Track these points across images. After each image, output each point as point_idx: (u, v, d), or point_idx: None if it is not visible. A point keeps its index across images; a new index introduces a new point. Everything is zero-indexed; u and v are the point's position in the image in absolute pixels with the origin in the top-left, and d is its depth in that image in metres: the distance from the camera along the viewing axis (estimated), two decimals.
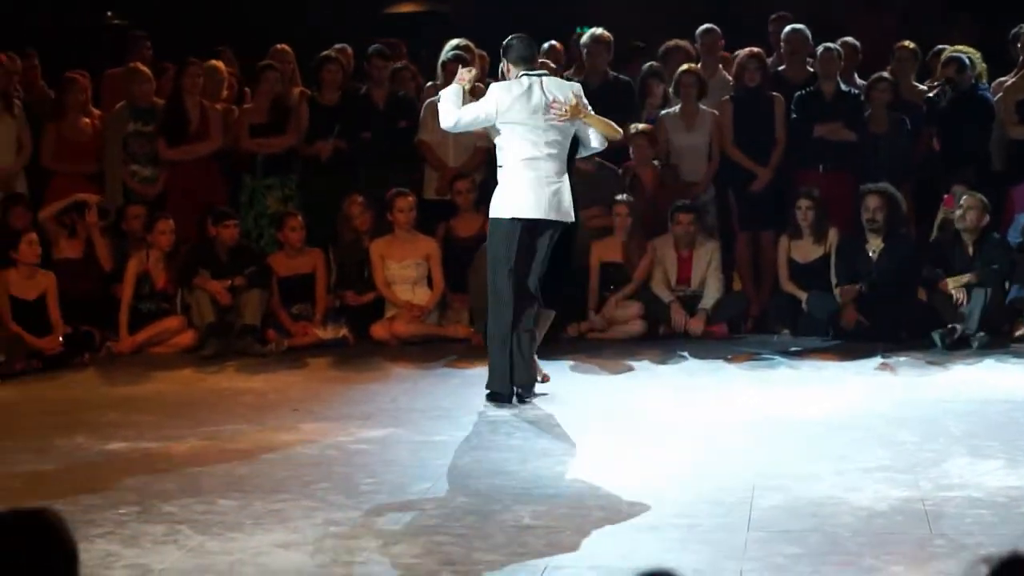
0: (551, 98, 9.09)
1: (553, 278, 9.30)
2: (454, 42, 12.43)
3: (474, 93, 9.65)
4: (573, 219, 9.32)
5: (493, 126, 9.19)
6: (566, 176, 9.25)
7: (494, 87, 9.25)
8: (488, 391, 9.19)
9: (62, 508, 5.30)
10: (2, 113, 12.30)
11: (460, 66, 9.67)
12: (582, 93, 9.32)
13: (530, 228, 9.12)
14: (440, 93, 9.34)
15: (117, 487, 7.33)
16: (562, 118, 9.09)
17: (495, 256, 9.17)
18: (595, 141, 9.42)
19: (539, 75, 9.25)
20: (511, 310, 9.08)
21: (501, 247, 9.12)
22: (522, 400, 9.15)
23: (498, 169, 9.29)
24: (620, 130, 9.74)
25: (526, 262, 9.15)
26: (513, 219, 9.07)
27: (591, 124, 9.30)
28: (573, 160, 9.51)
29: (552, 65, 10.18)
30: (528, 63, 9.29)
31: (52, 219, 11.94)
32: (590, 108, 9.30)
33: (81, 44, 14.27)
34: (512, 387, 9.14)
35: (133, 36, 13.88)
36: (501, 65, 9.41)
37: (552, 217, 9.15)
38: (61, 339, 11.07)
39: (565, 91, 9.22)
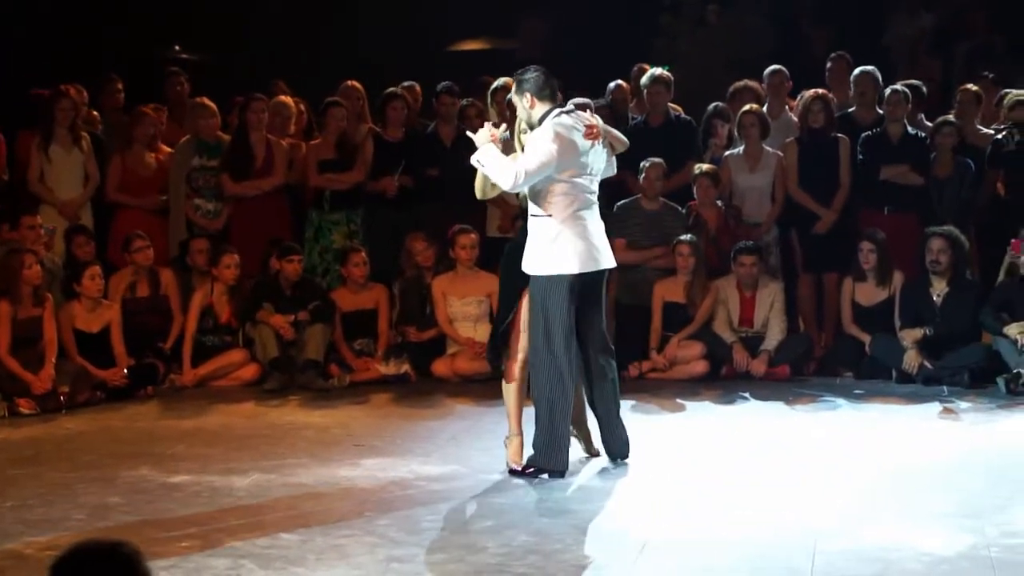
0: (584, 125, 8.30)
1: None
2: (503, 80, 12.53)
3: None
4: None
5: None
6: None
7: (550, 126, 8.20)
8: (535, 466, 8.31)
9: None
10: (70, 145, 12.42)
11: (483, 122, 8.55)
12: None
13: (593, 278, 8.36)
14: (477, 159, 8.28)
15: (181, 520, 7.36)
16: (595, 137, 8.29)
17: (552, 318, 8.17)
18: (610, 167, 8.58)
19: (570, 111, 8.37)
20: (574, 378, 8.29)
21: (559, 308, 8.16)
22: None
23: (538, 219, 8.28)
24: (627, 140, 8.81)
25: (595, 315, 8.48)
26: (573, 275, 8.19)
27: (611, 140, 8.55)
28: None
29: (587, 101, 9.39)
30: (554, 98, 8.34)
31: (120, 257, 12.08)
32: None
33: (149, 78, 14.38)
34: (567, 462, 8.33)
35: (168, 72, 14.02)
36: (523, 100, 8.33)
37: (612, 263, 8.50)
38: (125, 371, 11.14)
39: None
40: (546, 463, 8.27)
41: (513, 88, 8.45)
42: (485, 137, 8.28)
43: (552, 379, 8.21)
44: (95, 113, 13.21)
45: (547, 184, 8.22)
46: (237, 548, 6.84)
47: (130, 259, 11.88)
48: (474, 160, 8.33)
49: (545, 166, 8.13)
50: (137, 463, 8.73)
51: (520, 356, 8.46)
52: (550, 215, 8.24)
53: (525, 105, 8.33)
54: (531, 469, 8.30)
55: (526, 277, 8.34)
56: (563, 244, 8.22)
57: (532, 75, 8.31)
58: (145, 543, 6.66)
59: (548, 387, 8.22)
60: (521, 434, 8.48)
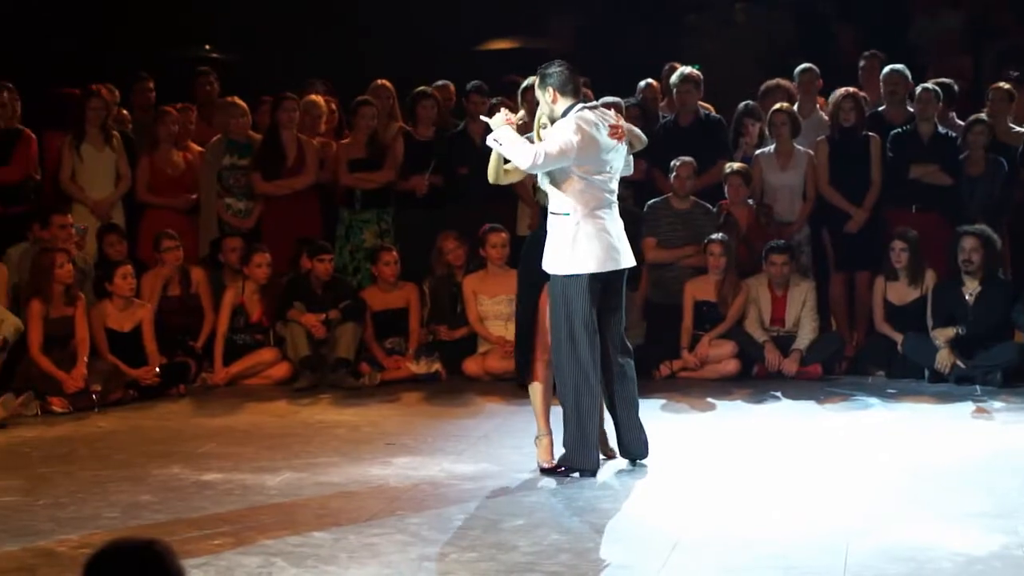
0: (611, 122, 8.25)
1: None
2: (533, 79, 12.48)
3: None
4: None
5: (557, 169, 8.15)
6: None
7: (573, 119, 8.12)
8: (566, 465, 8.29)
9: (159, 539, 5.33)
10: (101, 145, 12.45)
11: (502, 109, 8.38)
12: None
13: (611, 278, 8.28)
14: (495, 139, 8.13)
15: (213, 518, 7.37)
16: (620, 137, 8.24)
17: (575, 318, 8.11)
18: (627, 166, 8.53)
19: (594, 107, 8.33)
20: (598, 377, 8.23)
21: (581, 308, 8.10)
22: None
23: (556, 217, 8.20)
24: (645, 138, 8.82)
25: (614, 315, 8.41)
26: (592, 274, 8.12)
27: (631, 138, 8.51)
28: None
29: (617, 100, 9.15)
30: (577, 94, 8.27)
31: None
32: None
33: (180, 78, 14.40)
34: (599, 461, 8.35)
35: (198, 71, 14.05)
36: (545, 95, 8.24)
37: (631, 263, 8.42)
38: (157, 370, 11.17)
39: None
40: (577, 462, 8.26)
41: (536, 82, 8.36)
42: (501, 120, 8.17)
43: (578, 379, 8.17)
44: (124, 112, 13.23)
45: (565, 181, 8.14)
46: (269, 546, 6.85)
47: (160, 258, 11.91)
48: (490, 140, 8.18)
49: (564, 153, 8.02)
50: (169, 461, 8.75)
51: (545, 357, 8.44)
52: (568, 213, 8.15)
53: (548, 100, 8.23)
54: (562, 468, 8.29)
55: (545, 274, 8.29)
56: (582, 243, 8.13)
57: (556, 70, 8.22)
58: (177, 541, 6.71)
59: (574, 387, 8.18)
60: (550, 434, 8.46)
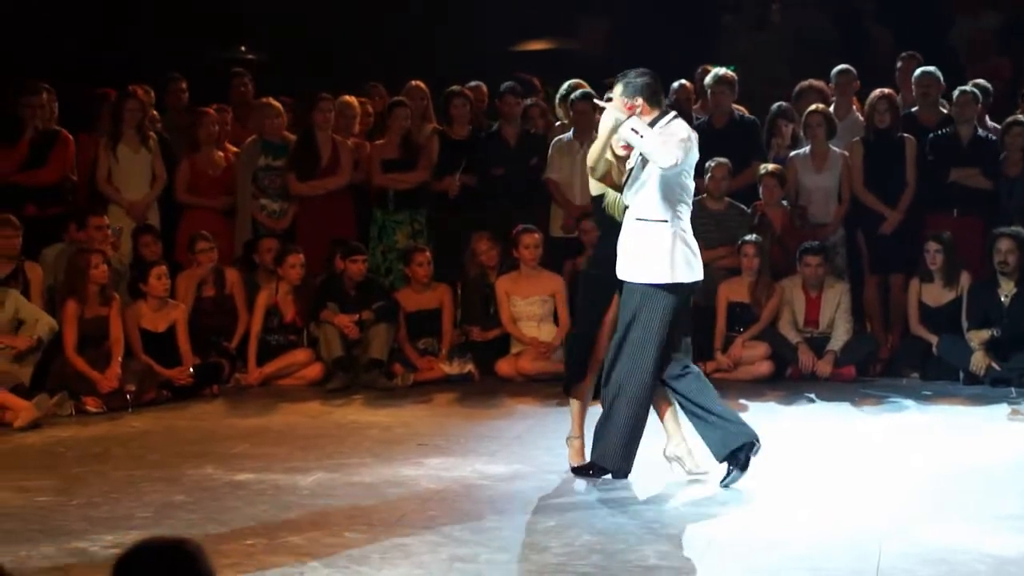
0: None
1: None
2: (571, 83, 12.47)
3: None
4: None
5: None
6: None
7: (683, 125, 7.99)
8: (599, 466, 8.21)
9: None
10: (137, 146, 12.48)
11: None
12: None
13: (693, 290, 8.21)
14: (634, 129, 7.74)
15: (245, 518, 7.38)
16: None
17: (657, 329, 7.92)
18: None
19: (676, 117, 8.10)
20: (652, 393, 8.10)
21: (666, 319, 7.93)
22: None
23: (647, 223, 7.94)
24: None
25: (684, 330, 8.21)
26: (680, 284, 7.95)
27: None
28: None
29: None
30: (661, 103, 8.07)
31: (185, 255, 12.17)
32: None
33: (214, 79, 14.44)
34: (632, 467, 8.19)
35: (233, 72, 14.07)
36: (635, 104, 7.93)
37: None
38: (191, 370, 11.20)
39: None
40: (612, 464, 8.19)
41: (619, 88, 8.04)
42: (621, 108, 7.91)
43: (639, 388, 8.00)
44: (154, 112, 13.24)
45: (668, 187, 7.89)
46: (301, 546, 6.85)
47: (194, 259, 11.95)
48: (627, 130, 7.78)
49: (684, 159, 7.84)
50: (202, 461, 8.77)
51: (595, 366, 8.35)
52: (666, 220, 7.90)
53: (639, 111, 7.91)
54: (595, 469, 8.27)
55: (609, 298, 8.15)
56: (680, 252, 7.92)
57: (644, 80, 7.97)
58: (209, 541, 6.72)
59: (634, 395, 8.00)
60: (582, 436, 8.42)
